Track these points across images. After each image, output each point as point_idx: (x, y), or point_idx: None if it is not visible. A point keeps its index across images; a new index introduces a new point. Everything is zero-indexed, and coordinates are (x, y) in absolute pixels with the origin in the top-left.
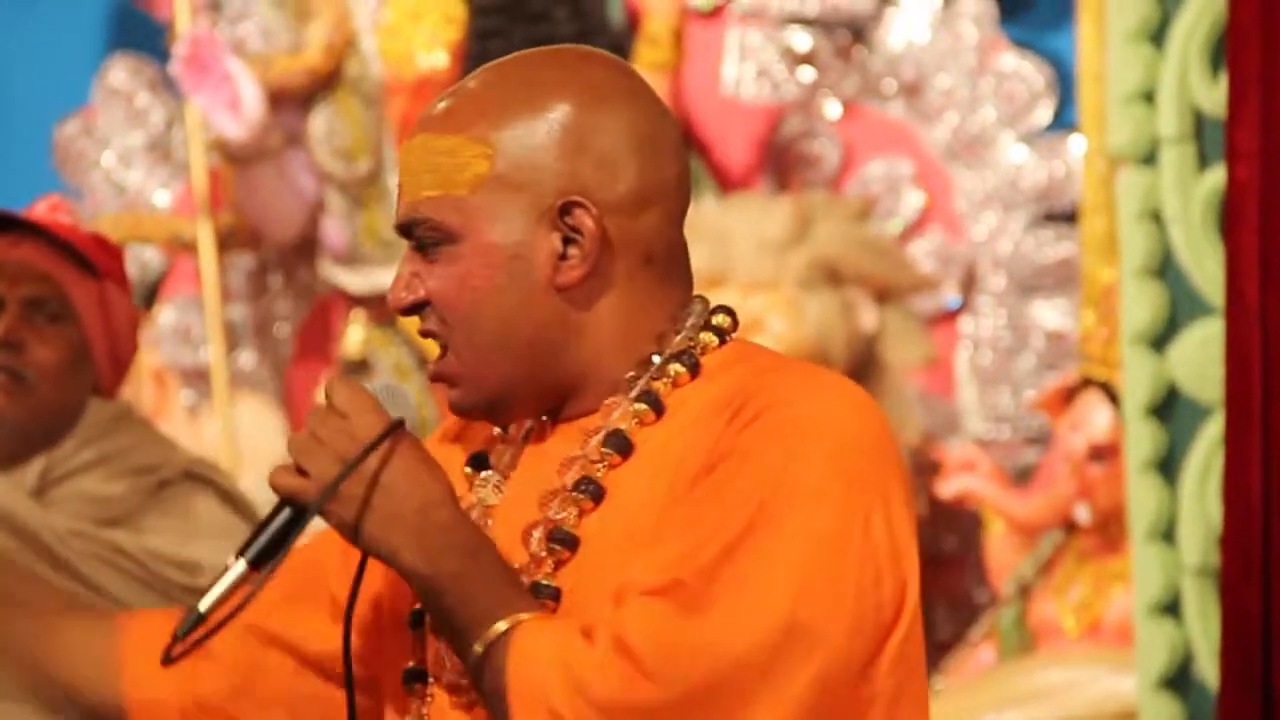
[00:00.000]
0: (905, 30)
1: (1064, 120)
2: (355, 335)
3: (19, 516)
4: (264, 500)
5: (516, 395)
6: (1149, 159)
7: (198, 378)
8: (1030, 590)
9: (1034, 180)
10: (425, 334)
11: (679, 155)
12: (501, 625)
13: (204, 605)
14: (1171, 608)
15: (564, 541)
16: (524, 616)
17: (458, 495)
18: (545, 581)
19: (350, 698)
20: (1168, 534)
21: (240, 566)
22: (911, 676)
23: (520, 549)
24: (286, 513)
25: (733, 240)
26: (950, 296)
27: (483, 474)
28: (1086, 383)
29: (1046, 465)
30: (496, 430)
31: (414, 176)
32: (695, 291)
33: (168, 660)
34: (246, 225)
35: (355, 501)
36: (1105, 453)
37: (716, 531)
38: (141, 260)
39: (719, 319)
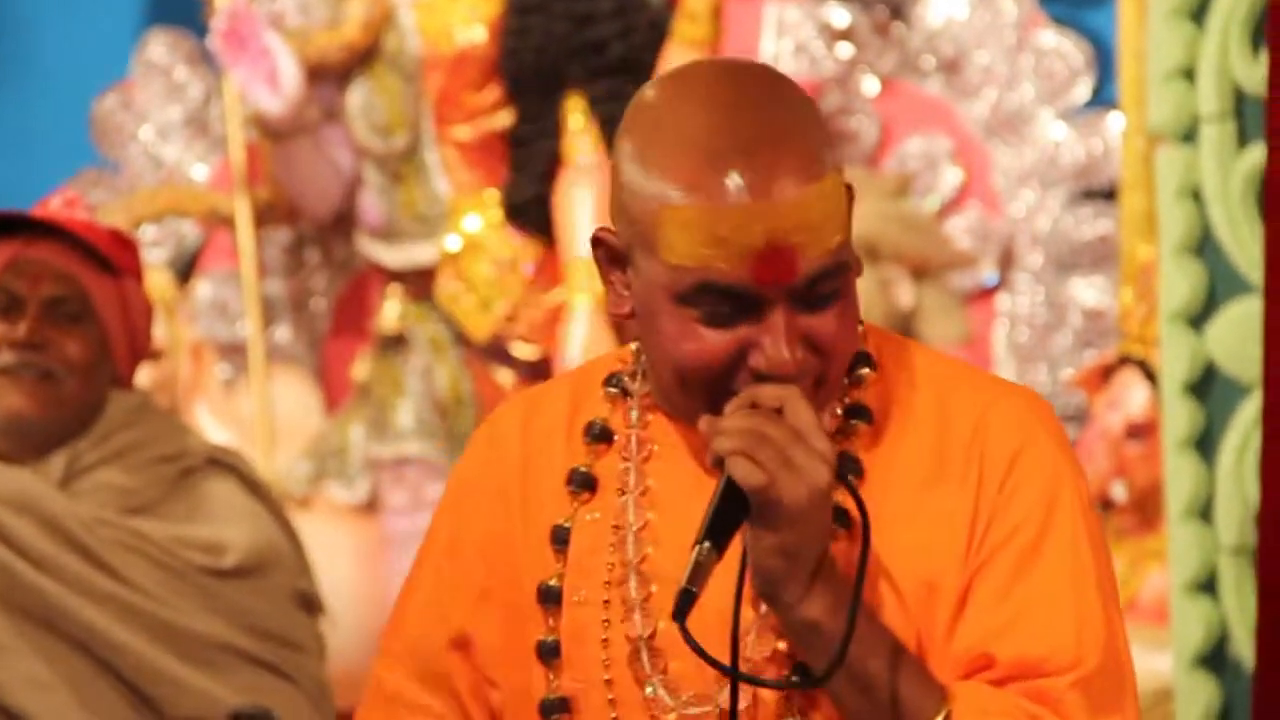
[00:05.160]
0: (944, 6)
1: (1103, 97)
2: (392, 310)
3: (45, 506)
4: (301, 476)
5: None
6: (1188, 136)
7: (234, 352)
8: None
9: (1073, 157)
10: (792, 379)
11: None
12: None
13: (694, 586)
14: (1208, 586)
15: (863, 561)
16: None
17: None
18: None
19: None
20: (1204, 512)
21: (706, 548)
22: None
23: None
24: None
25: None
26: (988, 274)
27: (622, 497)
28: (1124, 361)
29: (1083, 443)
30: (587, 441)
31: (815, 231)
32: None
33: (684, 629)
34: (284, 200)
35: (820, 535)
36: (1142, 431)
37: (1069, 603)
38: (179, 235)
39: None
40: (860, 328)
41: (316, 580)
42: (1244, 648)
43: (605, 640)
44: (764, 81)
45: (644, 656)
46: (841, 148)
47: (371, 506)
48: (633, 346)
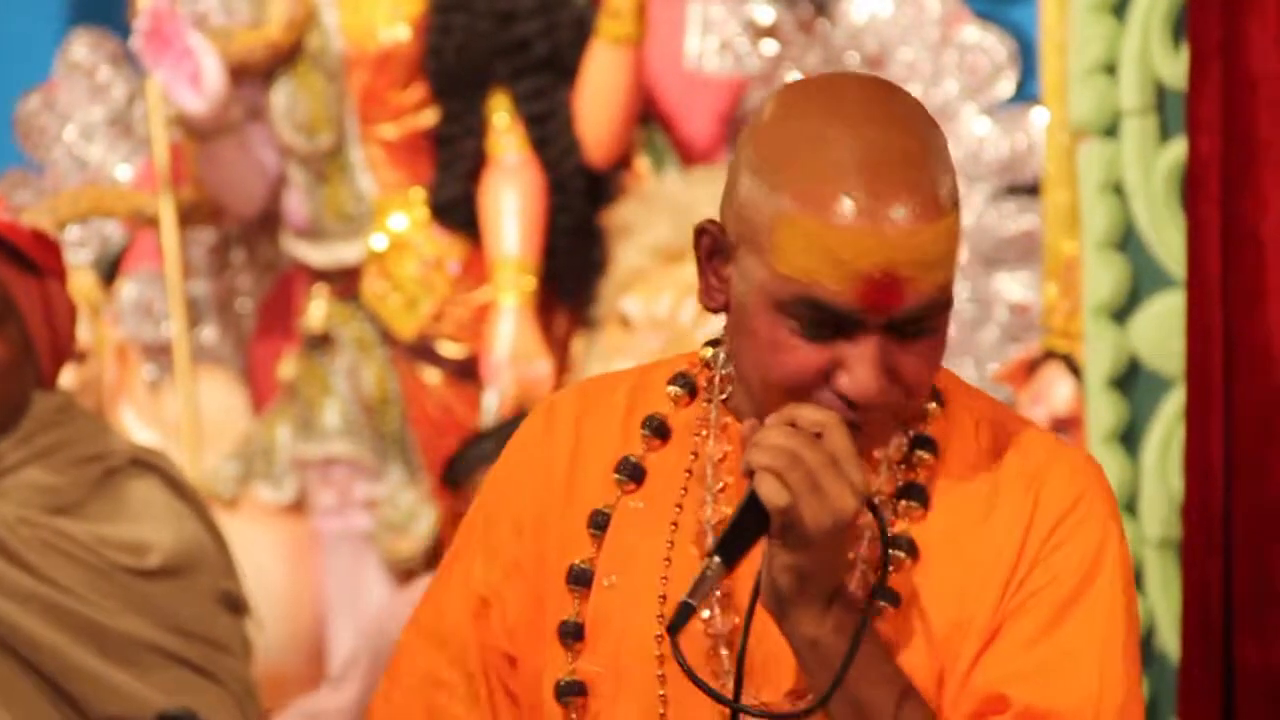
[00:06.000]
0: (868, 3)
1: (1026, 93)
2: (318, 310)
3: None
4: (228, 477)
5: None
6: (1110, 131)
7: (160, 353)
8: None
9: (996, 153)
10: (861, 422)
11: None
12: None
13: (694, 600)
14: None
15: (887, 597)
16: None
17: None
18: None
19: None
20: (1129, 506)
21: (716, 563)
22: None
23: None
24: (756, 515)
25: (695, 213)
26: None
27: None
28: (1048, 355)
29: None
30: (644, 433)
31: (929, 267)
32: (660, 266)
33: (674, 644)
34: (208, 200)
35: (837, 562)
36: (1067, 425)
37: (1094, 663)
38: (103, 235)
39: None
40: None
41: (242, 580)
42: (1169, 642)
43: (659, 637)
44: (899, 106)
45: (722, 651)
46: None
47: (299, 506)
48: (707, 353)
